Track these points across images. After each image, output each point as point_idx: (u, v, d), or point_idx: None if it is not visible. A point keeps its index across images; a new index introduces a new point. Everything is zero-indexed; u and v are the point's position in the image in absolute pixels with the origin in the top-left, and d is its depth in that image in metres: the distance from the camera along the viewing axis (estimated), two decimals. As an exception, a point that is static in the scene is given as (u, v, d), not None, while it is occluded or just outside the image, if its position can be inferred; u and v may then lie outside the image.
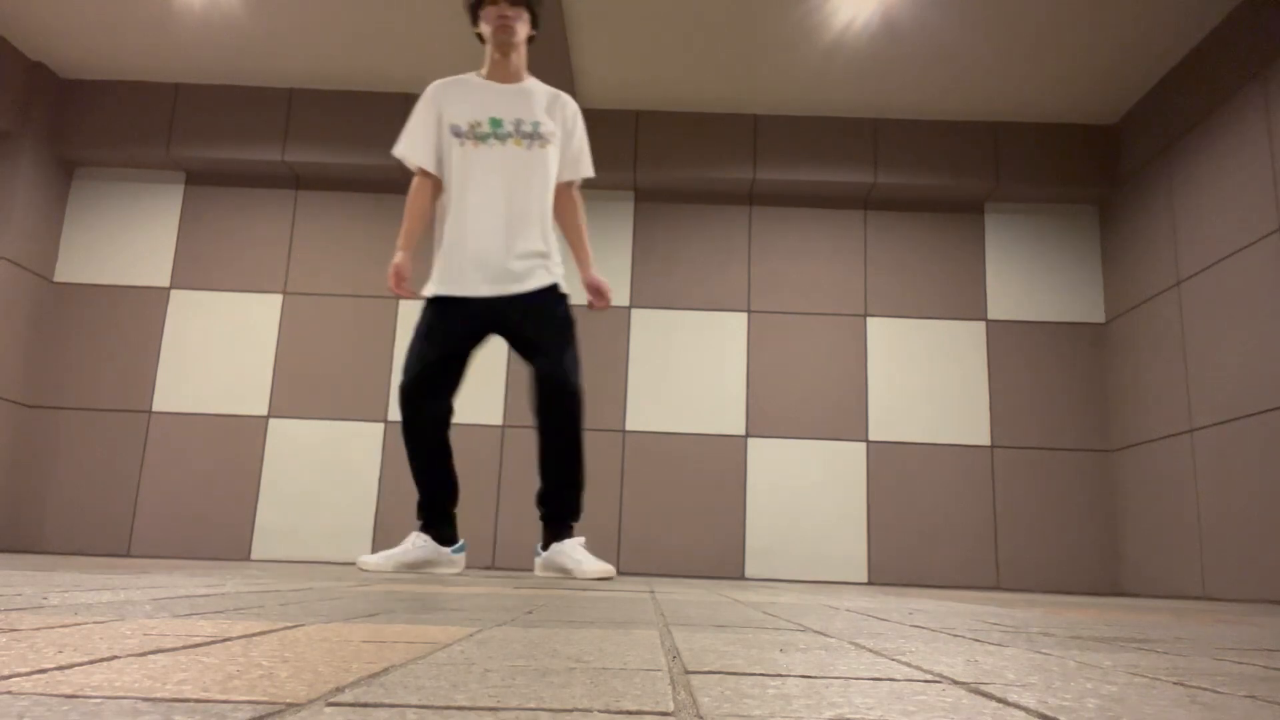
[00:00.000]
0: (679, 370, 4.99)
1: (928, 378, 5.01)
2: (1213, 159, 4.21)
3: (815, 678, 0.65)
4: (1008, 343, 5.05)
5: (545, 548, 2.86)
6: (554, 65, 4.62)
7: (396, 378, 4.98)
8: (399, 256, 2.89)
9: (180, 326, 5.06)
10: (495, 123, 2.86)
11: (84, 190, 5.23)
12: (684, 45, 4.56)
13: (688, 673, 0.65)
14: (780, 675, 0.65)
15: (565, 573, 2.78)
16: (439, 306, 2.83)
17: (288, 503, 4.85)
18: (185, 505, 4.86)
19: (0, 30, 4.70)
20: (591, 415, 4.93)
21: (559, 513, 2.86)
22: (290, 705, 0.47)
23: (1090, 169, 5.06)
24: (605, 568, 2.73)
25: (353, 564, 4.55)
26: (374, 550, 4.82)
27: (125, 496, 4.86)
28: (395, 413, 4.94)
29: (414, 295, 2.91)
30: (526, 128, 2.87)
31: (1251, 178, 3.94)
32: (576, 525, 2.91)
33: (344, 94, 5.17)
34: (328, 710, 0.45)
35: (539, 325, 2.84)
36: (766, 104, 5.09)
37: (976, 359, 5.04)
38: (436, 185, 2.93)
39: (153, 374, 5.00)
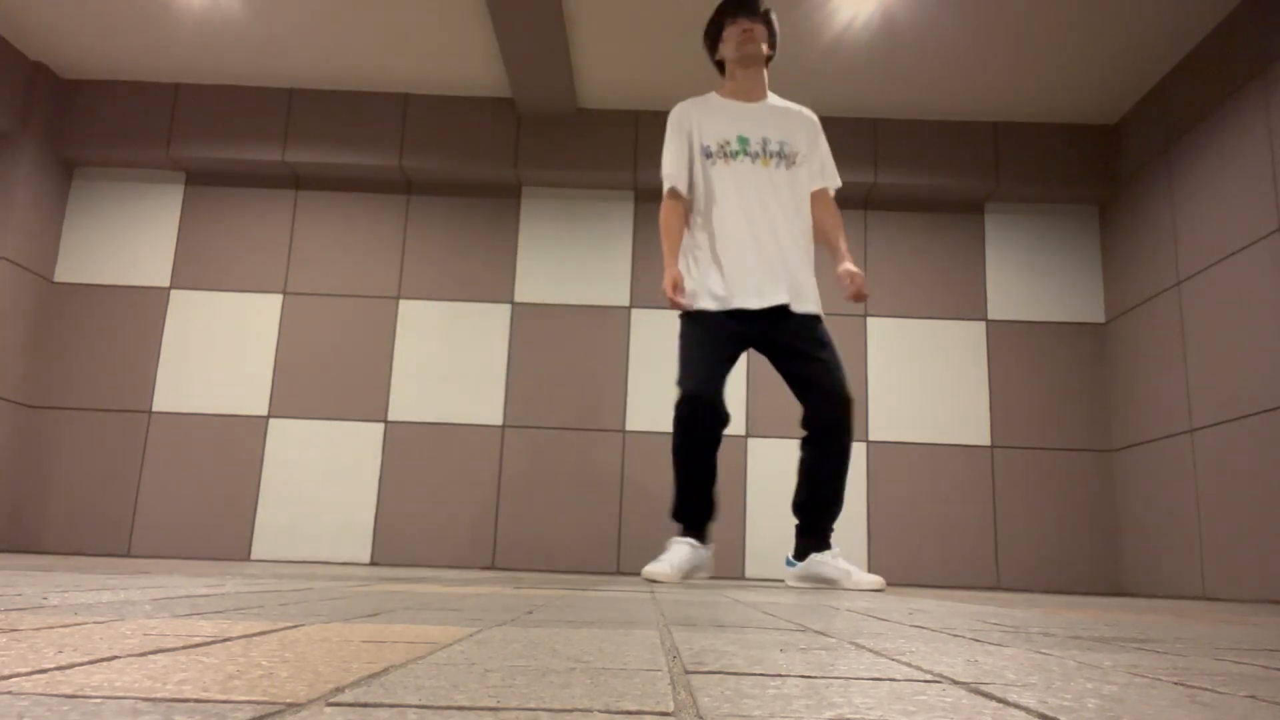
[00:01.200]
0: (673, 368, 4.98)
1: (928, 378, 5.01)
2: (1213, 159, 4.21)
3: (815, 678, 0.65)
4: (1008, 343, 5.05)
5: (800, 557, 2.89)
6: (554, 65, 4.63)
7: (396, 378, 4.99)
8: (673, 270, 2.92)
9: (180, 326, 5.06)
10: (743, 140, 2.92)
11: (84, 190, 5.23)
12: (684, 45, 4.56)
13: (688, 673, 0.65)
14: (780, 675, 0.65)
15: (830, 583, 2.80)
16: (707, 319, 2.89)
17: (288, 503, 4.85)
18: (185, 505, 4.86)
19: (0, 30, 4.70)
20: (592, 415, 4.94)
21: (821, 522, 2.88)
22: (290, 705, 0.47)
23: (1090, 169, 5.06)
24: (876, 579, 2.74)
25: (352, 564, 4.55)
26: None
27: (125, 496, 4.87)
28: (395, 413, 4.94)
29: (690, 306, 2.94)
30: (773, 146, 2.93)
31: (1251, 178, 3.94)
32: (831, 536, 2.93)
33: (344, 94, 5.17)
34: (328, 710, 0.45)
35: (810, 342, 2.88)
36: (766, 104, 5.08)
37: (976, 359, 5.04)
38: (688, 206, 3.00)
39: (153, 374, 5.00)
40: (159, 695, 0.48)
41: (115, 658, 0.62)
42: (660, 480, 4.88)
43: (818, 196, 3.05)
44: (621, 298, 5.08)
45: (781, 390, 4.98)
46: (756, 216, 2.87)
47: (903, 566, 4.80)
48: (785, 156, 2.93)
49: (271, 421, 4.95)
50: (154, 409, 4.96)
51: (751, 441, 4.93)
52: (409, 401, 4.96)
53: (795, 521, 2.96)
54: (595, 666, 0.66)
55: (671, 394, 4.96)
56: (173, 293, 5.10)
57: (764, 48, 2.97)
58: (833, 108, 5.09)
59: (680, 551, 2.85)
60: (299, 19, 4.52)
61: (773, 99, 3.05)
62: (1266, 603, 3.60)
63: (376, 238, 5.16)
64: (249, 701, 0.47)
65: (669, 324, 5.09)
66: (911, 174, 5.08)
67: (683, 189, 2.96)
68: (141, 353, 5.02)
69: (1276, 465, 3.69)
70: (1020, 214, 5.22)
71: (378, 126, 5.12)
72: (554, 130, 5.14)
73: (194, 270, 5.13)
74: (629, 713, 0.48)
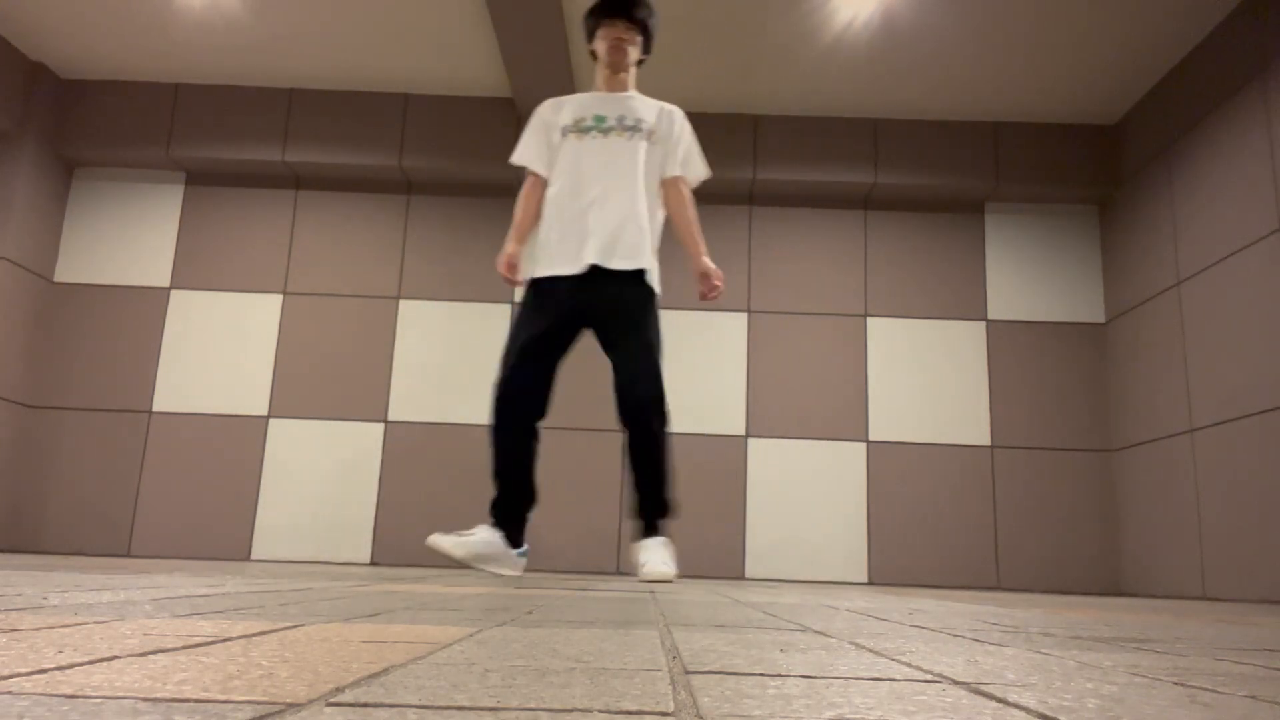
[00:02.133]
0: (679, 370, 4.98)
1: (928, 378, 5.01)
2: (1213, 159, 4.21)
3: (815, 678, 0.65)
4: (1008, 343, 5.05)
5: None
6: (554, 65, 4.63)
7: (396, 378, 4.99)
8: (511, 246, 2.93)
9: (180, 326, 5.06)
10: (599, 118, 2.95)
11: (84, 190, 5.23)
12: (684, 45, 4.56)
13: (688, 673, 0.65)
14: (780, 675, 0.65)
15: (637, 571, 2.80)
16: (536, 289, 2.86)
17: (288, 503, 4.85)
18: (185, 505, 4.86)
19: (0, 30, 4.70)
20: (592, 415, 4.93)
21: (642, 509, 2.87)
22: (290, 705, 0.47)
23: (1090, 169, 5.06)
24: (662, 571, 2.69)
25: (352, 564, 4.55)
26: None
27: (125, 496, 4.86)
28: (395, 413, 4.94)
29: (519, 282, 2.95)
30: (629, 122, 2.94)
31: (1251, 178, 3.94)
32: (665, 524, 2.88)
33: (344, 94, 5.17)
34: (328, 710, 0.45)
35: (630, 318, 2.83)
36: (766, 104, 5.09)
37: (976, 359, 5.04)
38: (544, 186, 3.00)
39: (153, 374, 5.00)
40: (159, 695, 0.48)
41: (115, 658, 0.62)
42: (660, 480, 4.87)
43: (672, 184, 3.03)
44: (621, 298, 5.08)
45: (781, 390, 4.98)
46: (601, 183, 2.86)
47: (903, 566, 4.80)
48: (639, 131, 2.94)
49: (271, 421, 4.95)
50: (154, 409, 4.96)
51: (751, 441, 4.93)
52: (409, 401, 4.96)
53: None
54: (595, 666, 0.66)
55: (672, 394, 4.96)
56: (173, 293, 5.10)
57: (634, 54, 3.00)
58: (833, 108, 5.09)
59: (480, 534, 2.79)
60: (299, 19, 4.52)
61: (636, 94, 3.07)
62: (1266, 603, 3.60)
63: (376, 238, 5.16)
64: (249, 701, 0.47)
65: (669, 324, 5.09)
66: (911, 174, 5.08)
67: (538, 167, 2.98)
68: (141, 353, 5.02)
69: (1276, 465, 3.69)
70: (1020, 214, 5.22)
71: (378, 126, 5.12)
72: (554, 130, 5.13)
73: (194, 270, 5.12)
74: (629, 713, 0.48)
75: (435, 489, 4.85)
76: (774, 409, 4.96)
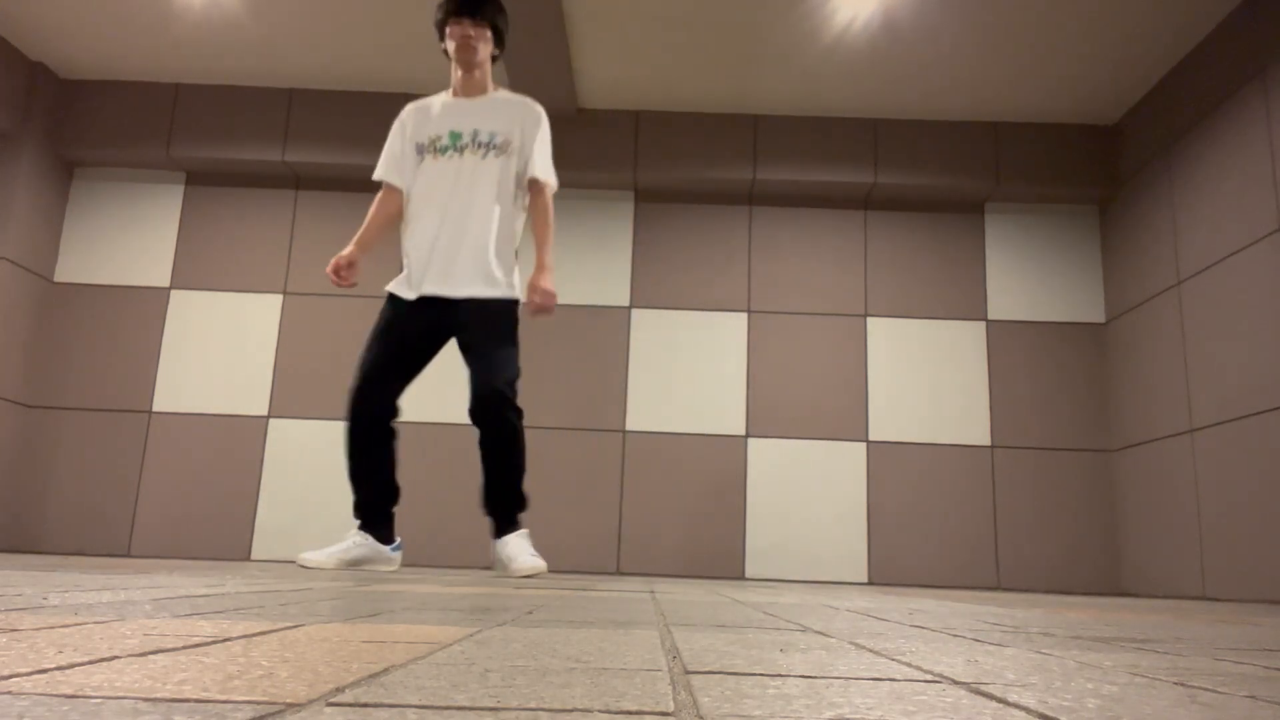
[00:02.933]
0: (679, 370, 4.98)
1: (928, 378, 5.01)
2: (1213, 159, 4.21)
3: (815, 678, 0.65)
4: (1008, 343, 5.05)
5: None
6: (554, 65, 4.62)
7: (396, 378, 4.98)
8: (349, 250, 3.02)
9: (180, 326, 5.06)
10: (454, 136, 2.97)
11: (84, 190, 5.23)
12: (684, 45, 4.56)
13: (688, 673, 0.65)
14: (780, 675, 0.65)
15: (504, 568, 2.85)
16: (393, 305, 2.96)
17: (288, 503, 4.85)
18: (185, 505, 4.86)
19: (0, 30, 4.70)
20: (592, 415, 4.93)
21: (495, 508, 2.95)
22: (290, 705, 0.47)
23: (1090, 169, 5.06)
24: (532, 565, 2.75)
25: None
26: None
27: (125, 496, 4.86)
28: (395, 413, 4.94)
29: (349, 284, 3.04)
30: (483, 137, 2.96)
31: (1251, 178, 3.94)
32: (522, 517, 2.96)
33: (344, 94, 5.17)
34: (328, 710, 0.45)
35: (481, 330, 2.89)
36: (766, 104, 5.09)
37: (976, 359, 5.04)
38: (398, 198, 3.06)
39: (153, 374, 5.00)
40: (159, 695, 0.48)
41: (115, 658, 0.62)
42: (660, 480, 4.88)
43: (532, 188, 3.04)
44: (621, 298, 5.08)
45: (781, 390, 4.99)
46: (448, 205, 2.91)
47: (903, 566, 4.80)
48: (495, 146, 2.96)
49: (271, 421, 4.95)
50: (154, 409, 4.96)
51: (751, 441, 4.93)
52: (409, 402, 4.95)
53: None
54: (595, 666, 0.66)
55: (672, 394, 4.96)
56: (173, 293, 5.10)
57: (484, 50, 2.99)
58: (833, 108, 5.09)
59: (344, 542, 2.90)
60: (299, 19, 4.52)
61: (499, 94, 3.07)
62: (1266, 603, 3.60)
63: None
64: (249, 701, 0.47)
65: (669, 324, 5.09)
66: (911, 174, 5.08)
67: (392, 179, 3.03)
68: (141, 353, 5.02)
69: (1276, 465, 3.69)
70: (1020, 214, 5.22)
71: (378, 126, 5.11)
72: (554, 130, 5.11)
73: (194, 270, 5.12)
74: (629, 713, 0.48)
75: (434, 489, 4.85)
76: (774, 409, 4.96)
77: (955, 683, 0.64)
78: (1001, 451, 4.92)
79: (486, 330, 2.89)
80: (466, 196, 2.91)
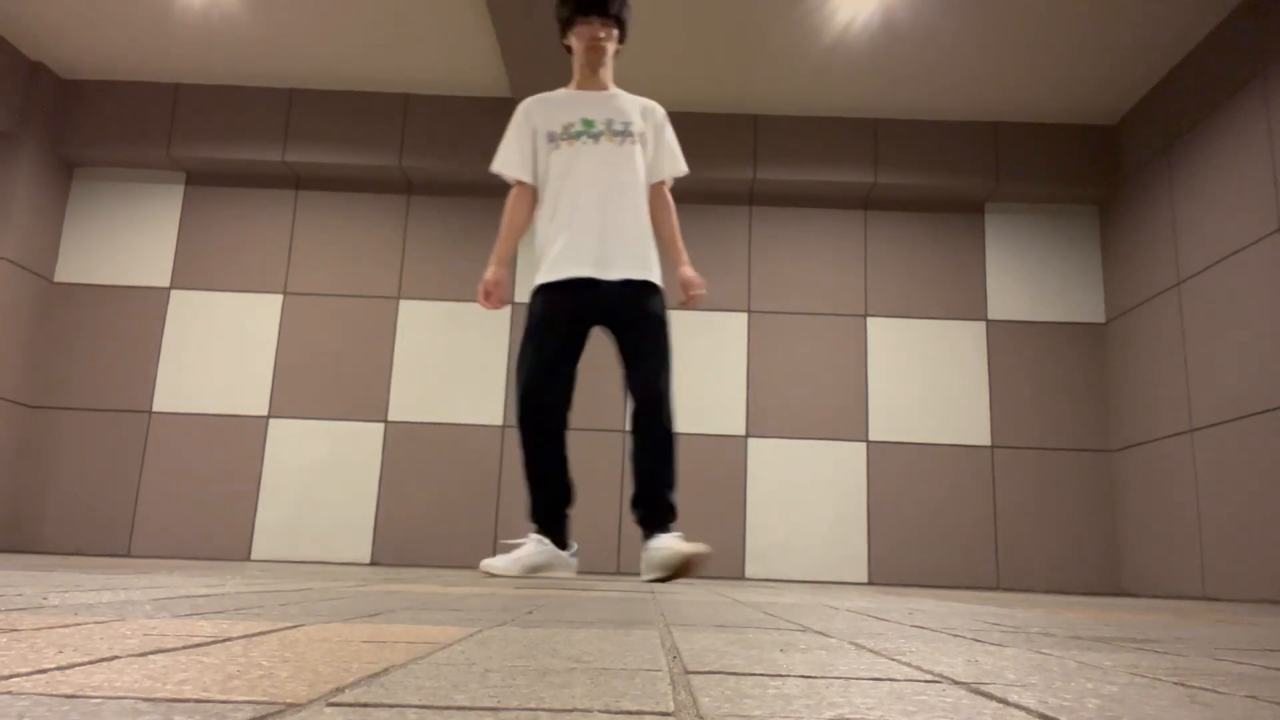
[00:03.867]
0: (679, 370, 4.98)
1: (928, 378, 5.01)
2: (1213, 159, 4.21)
3: (815, 678, 0.65)
4: (1008, 343, 5.05)
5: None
6: (554, 65, 4.62)
7: (396, 378, 4.99)
8: (492, 271, 2.88)
9: (180, 326, 5.06)
10: (588, 122, 2.89)
11: (84, 190, 5.23)
12: (684, 45, 4.56)
13: (688, 673, 0.65)
14: (780, 675, 0.65)
15: (662, 565, 2.72)
16: (546, 296, 2.81)
17: (288, 503, 4.85)
18: (185, 505, 4.86)
19: (0, 30, 4.70)
20: (592, 415, 4.93)
21: (649, 510, 2.84)
22: (290, 705, 0.47)
23: (1090, 169, 5.06)
24: (695, 546, 2.65)
25: (352, 564, 4.55)
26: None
27: (125, 496, 4.86)
28: (395, 413, 4.94)
29: (502, 305, 2.93)
30: (617, 126, 2.90)
31: (1251, 178, 3.94)
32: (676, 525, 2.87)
33: (344, 94, 5.17)
34: (328, 710, 0.45)
35: (641, 317, 2.83)
36: (766, 104, 5.09)
37: (976, 359, 5.04)
38: (532, 196, 2.94)
39: (153, 374, 5.00)
40: (159, 695, 0.48)
41: (115, 658, 0.62)
42: (660, 480, 4.87)
43: (656, 188, 3.03)
44: (621, 298, 5.08)
45: (781, 390, 4.98)
46: (597, 191, 2.84)
47: (903, 566, 4.80)
48: (629, 135, 2.91)
49: (271, 421, 4.95)
50: (154, 409, 4.96)
51: (751, 441, 4.93)
52: (409, 401, 4.96)
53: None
54: (595, 666, 0.66)
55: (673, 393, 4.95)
56: (173, 293, 5.10)
57: (611, 48, 2.96)
58: (833, 108, 5.09)
59: (526, 548, 2.81)
60: (299, 19, 4.52)
61: (616, 90, 3.04)
62: (1266, 603, 3.60)
63: (376, 238, 5.16)
64: (249, 701, 0.47)
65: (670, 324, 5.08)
66: (911, 174, 5.08)
67: (526, 177, 2.91)
68: (141, 353, 5.02)
69: (1276, 465, 3.69)
70: (1020, 214, 5.22)
71: (378, 126, 5.12)
72: (554, 130, 5.13)
73: (194, 270, 5.12)
74: (629, 713, 0.48)
75: (435, 489, 4.85)
76: (774, 409, 4.96)
77: (955, 683, 0.64)
78: (1001, 451, 4.92)
79: (645, 320, 2.83)
80: (614, 180, 2.84)
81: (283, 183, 5.24)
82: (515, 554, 2.81)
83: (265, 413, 4.96)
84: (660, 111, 3.04)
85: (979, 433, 4.94)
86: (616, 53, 3.02)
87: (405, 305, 5.07)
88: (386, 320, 5.06)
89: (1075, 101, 4.91)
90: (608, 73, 3.00)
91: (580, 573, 4.46)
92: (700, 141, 5.14)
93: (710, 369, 5.01)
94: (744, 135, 5.15)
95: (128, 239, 5.16)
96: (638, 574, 4.47)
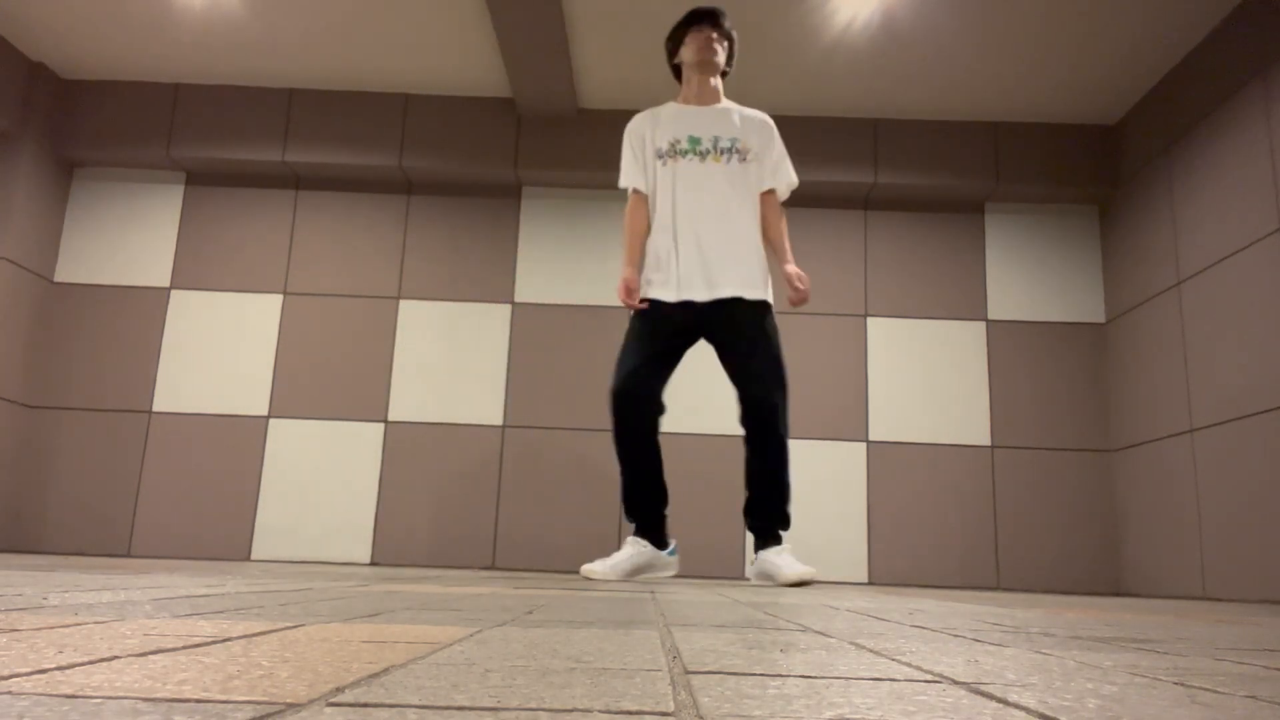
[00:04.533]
0: (679, 370, 4.98)
1: (928, 378, 5.01)
2: (1213, 159, 4.21)
3: (815, 678, 0.65)
4: (1008, 343, 5.05)
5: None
6: (554, 65, 4.62)
7: (396, 378, 4.99)
8: (627, 272, 2.99)
9: (180, 326, 5.06)
10: (694, 140, 3.00)
11: (84, 190, 5.23)
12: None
13: (688, 673, 0.65)
14: (780, 675, 0.65)
15: (771, 578, 2.81)
16: (654, 309, 2.95)
17: (288, 503, 4.85)
18: (185, 505, 4.86)
19: (0, 30, 4.70)
20: (593, 415, 4.93)
21: (762, 519, 2.91)
22: (290, 705, 0.47)
23: (1090, 169, 5.06)
24: (805, 570, 2.73)
25: (352, 564, 4.55)
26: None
27: (125, 496, 4.87)
28: (395, 413, 4.94)
29: (642, 307, 3.00)
30: (724, 143, 2.99)
31: (1251, 178, 3.94)
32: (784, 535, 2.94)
33: (344, 94, 5.17)
34: (328, 710, 0.45)
35: (752, 333, 2.90)
36: (767, 104, 5.09)
37: (976, 359, 5.04)
38: (647, 204, 3.07)
39: (153, 374, 5.00)
40: (159, 695, 0.48)
41: (115, 658, 0.62)
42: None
43: (766, 196, 3.11)
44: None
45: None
46: (704, 210, 2.94)
47: (903, 566, 4.80)
48: (737, 152, 3.00)
49: (271, 421, 4.95)
50: (154, 409, 4.96)
51: (751, 441, 4.92)
52: (409, 401, 4.96)
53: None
54: (595, 666, 0.66)
55: (671, 394, 4.95)
56: (173, 293, 5.10)
57: (722, 55, 3.08)
58: (833, 108, 5.09)
59: (624, 551, 2.89)
60: (299, 19, 4.52)
61: (728, 103, 3.13)
62: (1266, 603, 3.60)
63: (376, 238, 5.16)
64: (249, 701, 0.47)
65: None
66: (911, 174, 5.08)
67: (643, 187, 3.06)
68: (141, 353, 5.02)
69: (1276, 465, 3.69)
70: (1020, 214, 5.22)
71: (378, 126, 5.12)
72: (554, 130, 5.14)
73: (194, 270, 5.13)
74: (629, 713, 0.48)
75: (435, 489, 4.85)
76: (774, 409, 4.95)
77: (955, 683, 0.64)
78: (1001, 451, 4.92)
79: (754, 336, 2.91)
80: (720, 198, 2.94)
81: (283, 183, 5.24)
82: (615, 558, 2.90)
83: (265, 413, 4.96)
84: (770, 124, 3.12)
85: (979, 433, 4.94)
86: (725, 74, 3.13)
87: (405, 305, 5.07)
88: (386, 320, 5.06)
89: (1075, 101, 4.91)
90: (717, 84, 3.09)
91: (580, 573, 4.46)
92: (700, 141, 5.13)
93: (710, 369, 5.00)
94: (744, 135, 5.14)
95: (128, 239, 5.16)
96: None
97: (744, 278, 2.92)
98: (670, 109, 3.09)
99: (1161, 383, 4.51)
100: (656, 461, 2.95)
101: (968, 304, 5.10)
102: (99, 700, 0.46)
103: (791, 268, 3.05)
